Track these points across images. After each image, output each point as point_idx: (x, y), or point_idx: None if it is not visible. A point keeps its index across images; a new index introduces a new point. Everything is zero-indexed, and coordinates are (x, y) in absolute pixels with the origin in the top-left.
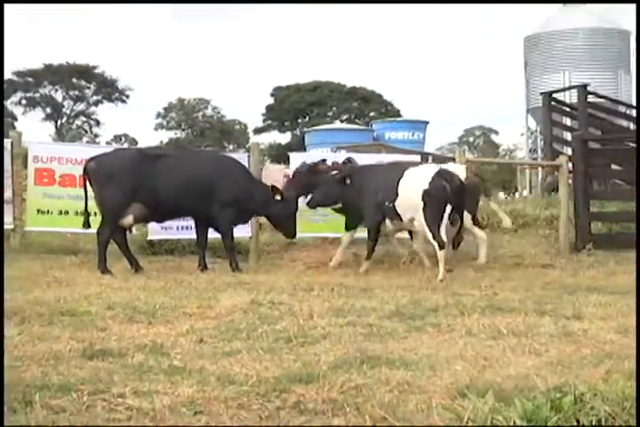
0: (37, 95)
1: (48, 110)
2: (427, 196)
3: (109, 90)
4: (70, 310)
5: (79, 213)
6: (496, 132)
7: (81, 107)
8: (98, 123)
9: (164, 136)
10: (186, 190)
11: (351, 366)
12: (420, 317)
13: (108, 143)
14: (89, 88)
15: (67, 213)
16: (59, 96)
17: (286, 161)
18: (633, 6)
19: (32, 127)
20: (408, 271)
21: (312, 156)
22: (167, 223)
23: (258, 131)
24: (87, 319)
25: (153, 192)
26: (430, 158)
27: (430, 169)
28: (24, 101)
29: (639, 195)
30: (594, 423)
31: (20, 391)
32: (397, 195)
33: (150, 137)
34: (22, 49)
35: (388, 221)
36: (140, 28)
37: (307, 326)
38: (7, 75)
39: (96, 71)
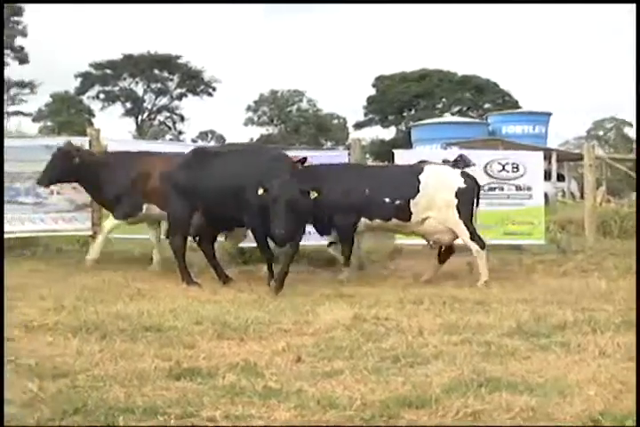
0: (116, 89)
1: (128, 105)
2: (461, 194)
3: (194, 82)
4: (155, 325)
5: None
6: (630, 125)
7: (163, 101)
8: (182, 118)
9: (255, 132)
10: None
11: (467, 389)
12: (544, 335)
13: (193, 141)
14: (172, 80)
15: None
16: (139, 89)
17: (390, 159)
18: None
19: (111, 124)
20: (529, 282)
21: (419, 153)
22: None
23: (358, 126)
24: (173, 335)
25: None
26: (554, 155)
27: (446, 167)
28: (102, 95)
29: (639, 195)
30: None
31: (102, 414)
32: (418, 192)
33: (239, 133)
34: (100, 38)
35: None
36: (227, 15)
37: (416, 344)
38: (84, 67)
39: (179, 61)
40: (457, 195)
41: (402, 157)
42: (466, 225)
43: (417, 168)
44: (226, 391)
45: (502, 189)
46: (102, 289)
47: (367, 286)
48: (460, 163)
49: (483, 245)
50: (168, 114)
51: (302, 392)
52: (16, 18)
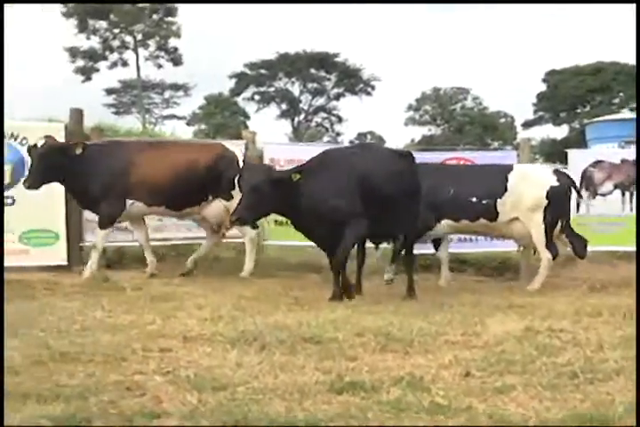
0: (272, 89)
1: (283, 106)
2: (553, 194)
3: (352, 81)
4: (314, 337)
5: None
6: None
7: (320, 101)
8: (340, 119)
9: (416, 133)
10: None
11: None
12: None
13: (351, 142)
14: (329, 79)
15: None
16: (295, 90)
17: (563, 160)
18: None
19: (266, 126)
20: None
21: (595, 153)
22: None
23: (527, 124)
24: (334, 347)
25: None
26: None
27: (538, 165)
28: (257, 97)
29: (639, 195)
30: None
31: None
32: (506, 191)
33: (400, 134)
34: (254, 37)
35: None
36: (387, 11)
37: (595, 360)
38: (239, 67)
39: (337, 60)
40: (548, 195)
41: (576, 158)
42: (545, 231)
43: (506, 167)
44: (391, 406)
45: None
46: (259, 298)
47: (539, 295)
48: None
49: (555, 255)
50: (325, 115)
51: (472, 409)
52: (170, 18)
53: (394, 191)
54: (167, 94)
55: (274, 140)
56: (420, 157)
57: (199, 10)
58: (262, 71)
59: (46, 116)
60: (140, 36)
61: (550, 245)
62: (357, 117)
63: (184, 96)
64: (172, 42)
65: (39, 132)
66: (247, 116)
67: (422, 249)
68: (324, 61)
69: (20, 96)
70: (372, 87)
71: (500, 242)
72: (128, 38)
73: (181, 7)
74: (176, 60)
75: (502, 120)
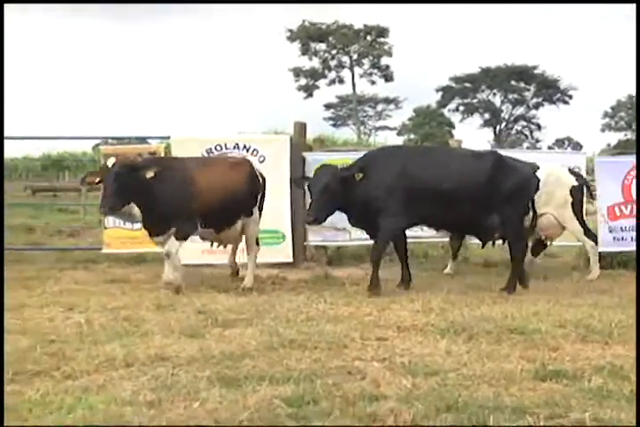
0: (475, 101)
1: (486, 116)
2: (575, 191)
3: (550, 91)
4: (519, 328)
5: None
6: None
7: (520, 110)
8: (539, 127)
9: (612, 138)
10: None
11: None
12: None
13: (549, 148)
14: (528, 90)
15: None
16: (497, 100)
17: None
18: None
19: (470, 134)
20: None
21: None
22: (620, 233)
23: None
24: (537, 338)
25: None
26: None
27: (558, 165)
28: (461, 108)
29: (639, 196)
30: None
31: (472, 413)
32: (537, 189)
33: (596, 139)
34: (458, 53)
35: None
36: (585, 21)
37: None
38: (444, 81)
39: (536, 72)
40: (571, 193)
41: None
42: (579, 221)
43: (534, 166)
44: (593, 394)
45: None
46: (466, 293)
47: None
48: None
49: (596, 241)
50: (525, 123)
51: None
52: (382, 39)
53: (454, 189)
54: (380, 107)
55: (478, 147)
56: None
57: (409, 30)
58: (466, 84)
59: (273, 129)
60: (355, 56)
61: (588, 233)
62: (555, 125)
63: (395, 109)
64: (384, 60)
65: (267, 144)
66: (452, 126)
67: (621, 246)
68: (524, 73)
69: (250, 112)
70: (570, 96)
71: None
72: (345, 58)
73: (392, 29)
74: (388, 77)
75: None
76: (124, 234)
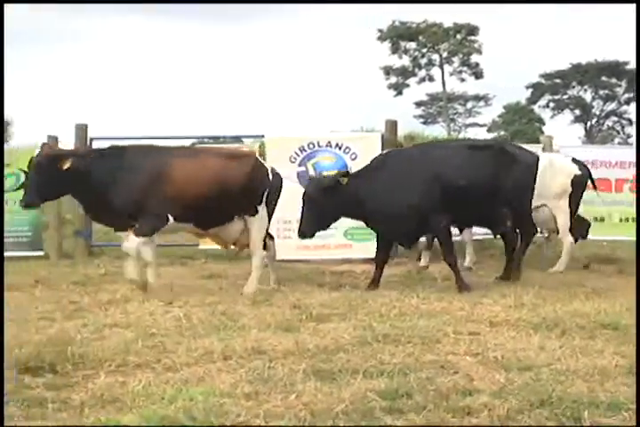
0: (565, 97)
1: (577, 112)
2: (576, 182)
3: None
4: (612, 323)
5: (624, 220)
6: None
7: (611, 106)
8: (630, 122)
9: None
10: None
11: None
12: None
13: None
14: (619, 86)
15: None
16: (587, 96)
17: None
18: None
19: (560, 130)
20: None
21: None
22: None
23: None
24: (630, 333)
25: None
26: None
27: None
28: (552, 104)
29: (639, 196)
30: None
31: (567, 407)
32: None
33: None
34: (548, 50)
35: None
36: None
37: None
38: (534, 78)
39: (627, 67)
40: (572, 183)
41: None
42: (570, 215)
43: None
44: None
45: None
46: (558, 288)
47: None
48: None
49: (576, 239)
50: (616, 118)
51: None
52: (472, 37)
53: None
54: (469, 105)
55: (569, 143)
56: None
57: (499, 28)
58: (556, 81)
59: (365, 127)
60: (445, 54)
61: (572, 229)
62: None
63: (485, 106)
64: (474, 58)
65: (359, 141)
66: (543, 123)
67: None
68: (615, 69)
69: (341, 111)
70: None
71: None
72: (434, 56)
73: (482, 27)
74: (477, 74)
75: None
76: None
